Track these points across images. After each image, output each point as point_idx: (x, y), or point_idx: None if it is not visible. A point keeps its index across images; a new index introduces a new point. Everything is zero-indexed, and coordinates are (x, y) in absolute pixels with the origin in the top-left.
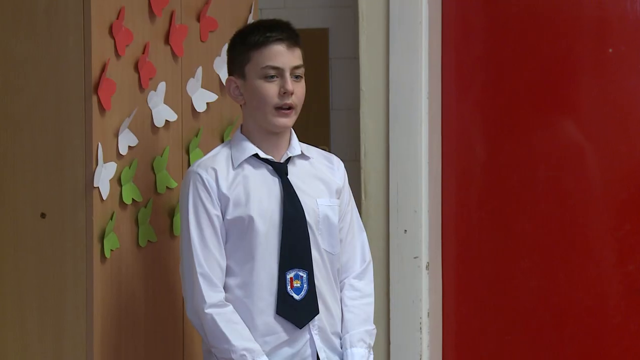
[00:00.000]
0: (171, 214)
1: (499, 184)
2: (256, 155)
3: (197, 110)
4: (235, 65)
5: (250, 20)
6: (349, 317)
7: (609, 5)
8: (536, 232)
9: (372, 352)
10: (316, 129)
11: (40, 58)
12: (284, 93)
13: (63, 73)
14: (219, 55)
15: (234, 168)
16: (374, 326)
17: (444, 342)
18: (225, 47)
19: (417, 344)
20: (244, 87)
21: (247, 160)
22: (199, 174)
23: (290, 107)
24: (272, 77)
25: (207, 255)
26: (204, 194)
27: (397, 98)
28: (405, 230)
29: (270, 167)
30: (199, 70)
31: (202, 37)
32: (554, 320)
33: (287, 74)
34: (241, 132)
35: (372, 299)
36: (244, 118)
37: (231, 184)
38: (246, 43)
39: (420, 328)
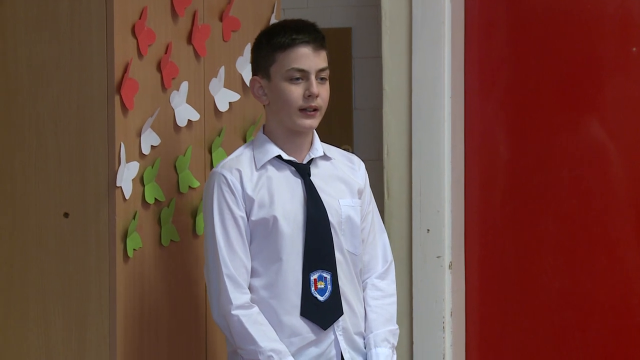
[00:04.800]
0: (194, 213)
1: (521, 183)
2: (279, 157)
3: (220, 110)
4: (260, 66)
5: (273, 19)
6: (372, 317)
7: (632, 4)
8: (559, 232)
9: (395, 352)
10: (339, 128)
11: (63, 58)
12: (309, 96)
13: (86, 73)
14: (242, 55)
15: (257, 169)
16: (397, 326)
17: (467, 342)
18: (248, 46)
19: (440, 344)
20: (269, 87)
21: (270, 162)
22: (223, 175)
23: (315, 109)
24: (297, 79)
25: (232, 256)
26: (228, 195)
27: (420, 97)
28: (428, 230)
29: (293, 169)
30: (222, 70)
31: (224, 36)
32: (577, 319)
33: (313, 77)
34: (264, 132)
35: (394, 299)
36: (267, 118)
37: (255, 185)
38: (272, 44)
39: (443, 327)
